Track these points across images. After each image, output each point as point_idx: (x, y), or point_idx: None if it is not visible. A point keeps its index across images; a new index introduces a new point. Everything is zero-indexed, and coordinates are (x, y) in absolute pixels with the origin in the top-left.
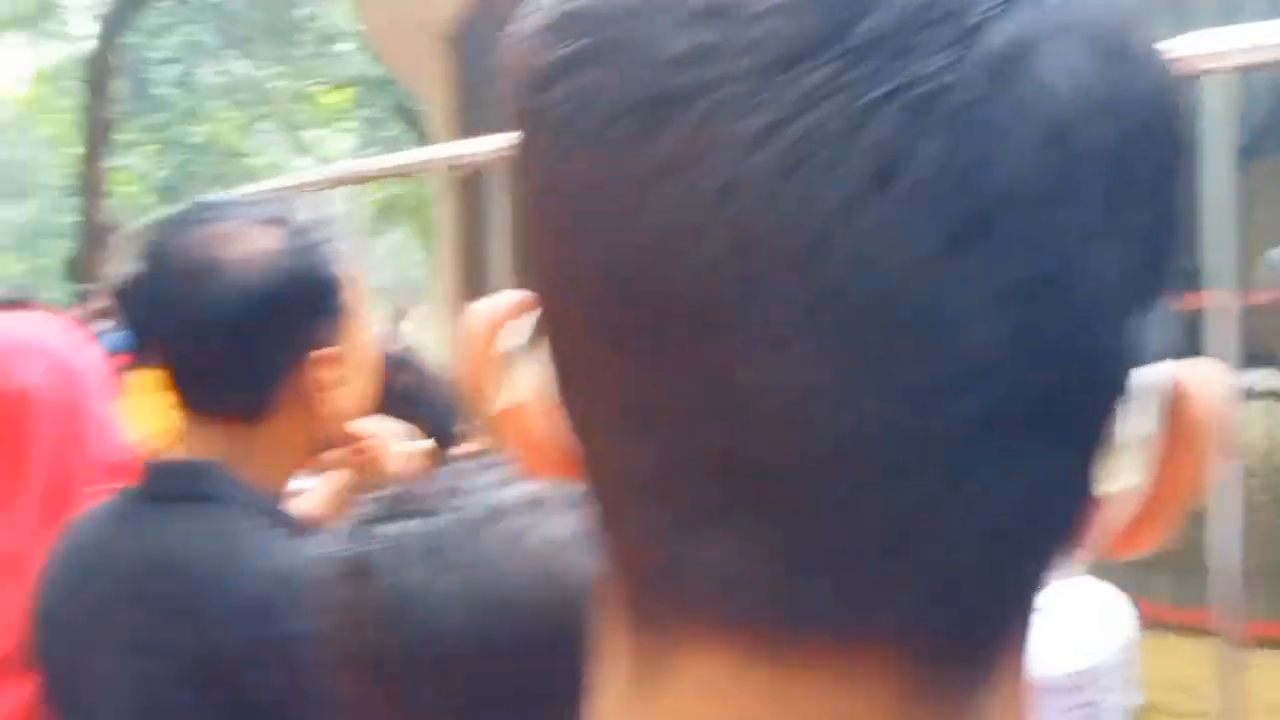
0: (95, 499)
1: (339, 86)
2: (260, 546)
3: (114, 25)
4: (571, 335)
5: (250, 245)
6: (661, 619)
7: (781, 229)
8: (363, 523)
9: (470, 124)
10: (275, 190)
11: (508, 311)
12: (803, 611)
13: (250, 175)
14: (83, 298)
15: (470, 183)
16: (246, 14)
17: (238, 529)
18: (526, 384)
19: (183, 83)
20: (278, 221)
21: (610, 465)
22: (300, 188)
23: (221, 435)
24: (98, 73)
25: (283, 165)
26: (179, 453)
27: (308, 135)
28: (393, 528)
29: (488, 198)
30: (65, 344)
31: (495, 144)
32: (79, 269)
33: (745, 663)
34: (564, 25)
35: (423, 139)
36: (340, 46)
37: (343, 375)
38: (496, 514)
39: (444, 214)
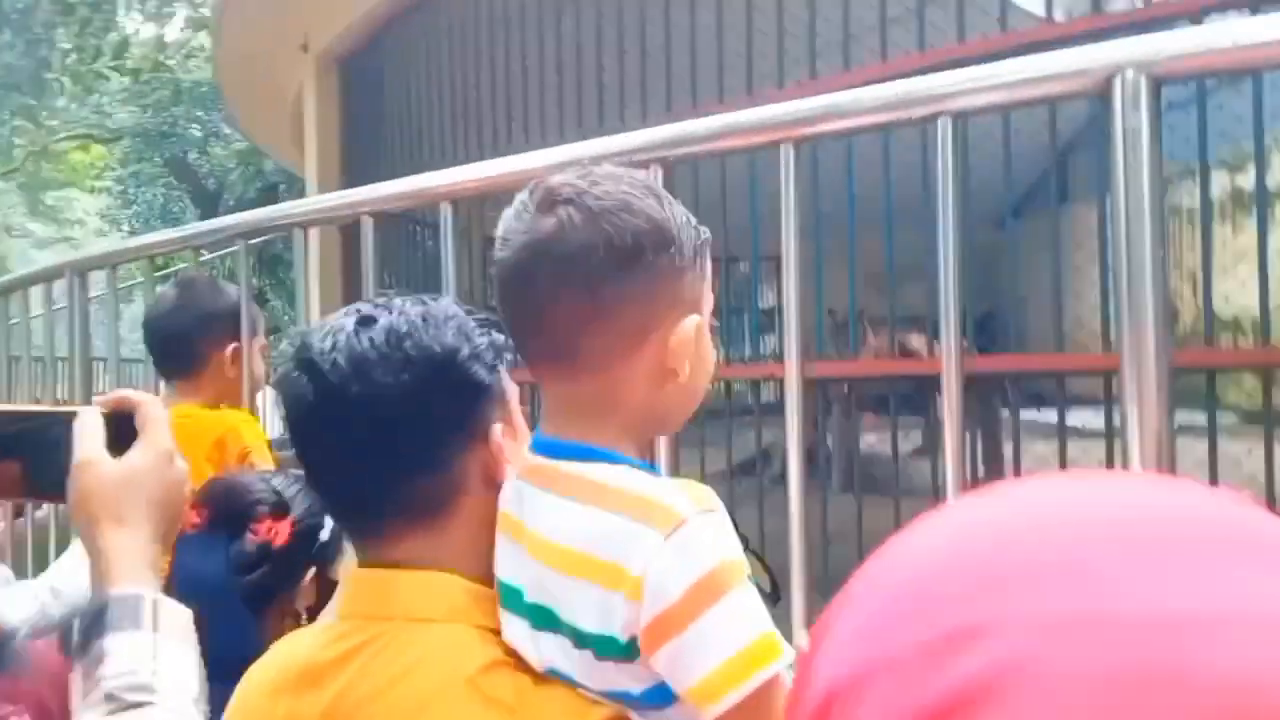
0: None
1: (99, 140)
2: None
3: None
4: None
5: None
6: None
7: None
8: None
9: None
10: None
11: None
12: None
13: None
14: None
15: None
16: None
17: None
18: None
19: None
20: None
21: None
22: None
23: None
24: None
25: (18, 227)
26: None
27: (50, 196)
28: None
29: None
30: None
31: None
32: None
33: None
34: None
35: (203, 198)
36: (102, 95)
37: None
38: None
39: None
